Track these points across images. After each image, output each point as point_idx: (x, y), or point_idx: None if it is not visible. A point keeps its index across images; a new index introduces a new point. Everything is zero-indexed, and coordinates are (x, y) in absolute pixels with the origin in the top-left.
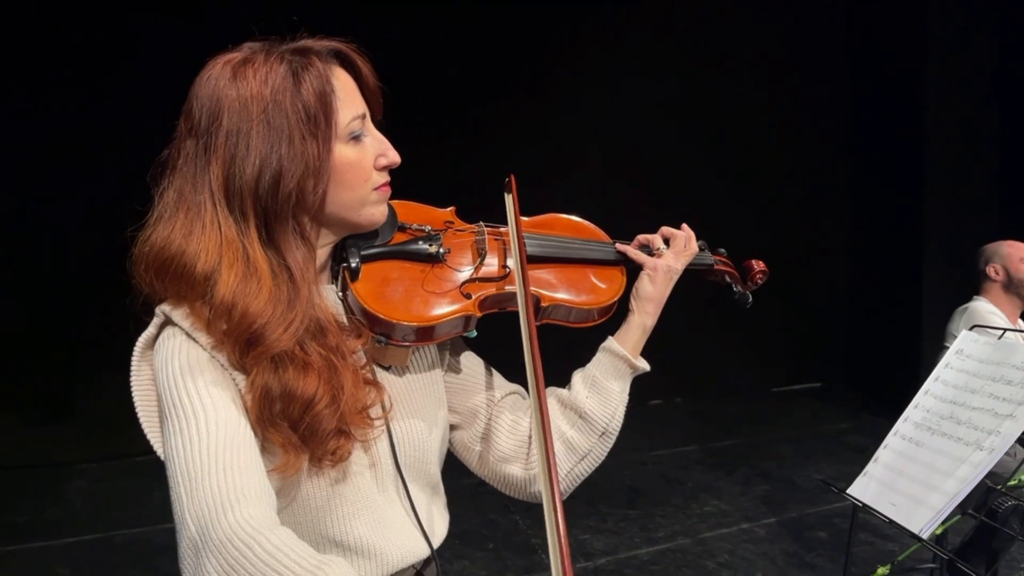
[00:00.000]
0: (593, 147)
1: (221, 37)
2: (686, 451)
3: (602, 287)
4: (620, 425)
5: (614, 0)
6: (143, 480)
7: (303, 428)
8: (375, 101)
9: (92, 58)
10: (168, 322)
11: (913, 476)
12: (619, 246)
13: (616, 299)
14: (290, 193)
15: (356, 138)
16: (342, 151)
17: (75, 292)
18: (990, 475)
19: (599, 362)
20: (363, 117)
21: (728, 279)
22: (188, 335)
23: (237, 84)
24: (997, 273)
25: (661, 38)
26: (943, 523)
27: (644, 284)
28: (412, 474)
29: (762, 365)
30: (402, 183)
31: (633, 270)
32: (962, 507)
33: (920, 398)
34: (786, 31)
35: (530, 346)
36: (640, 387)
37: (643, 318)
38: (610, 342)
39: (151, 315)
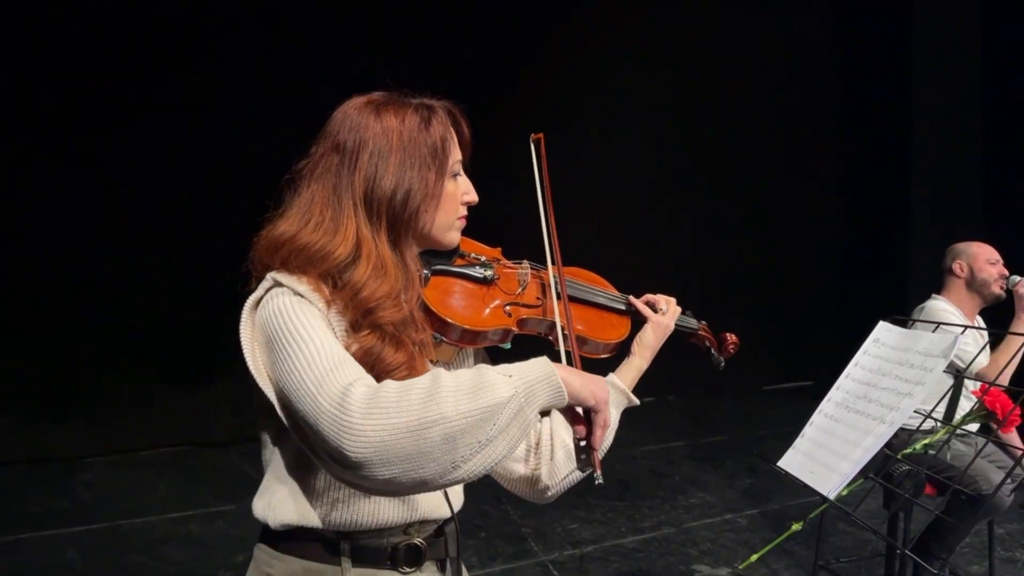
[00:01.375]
0: (588, 154)
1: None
2: (676, 447)
3: (613, 328)
4: (610, 444)
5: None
6: (147, 473)
7: (378, 377)
8: (468, 153)
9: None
10: (276, 284)
11: (830, 448)
12: (632, 300)
13: (624, 340)
14: (415, 209)
15: (455, 176)
16: (447, 184)
17: (84, 290)
18: (890, 445)
19: None
20: (460, 162)
21: (707, 344)
22: (295, 292)
23: (381, 119)
24: (962, 270)
25: (649, 40)
26: (848, 486)
27: (647, 334)
28: None
29: (755, 364)
30: None
31: (635, 321)
32: (864, 472)
33: (841, 381)
34: (775, 30)
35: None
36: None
37: (641, 362)
38: (612, 377)
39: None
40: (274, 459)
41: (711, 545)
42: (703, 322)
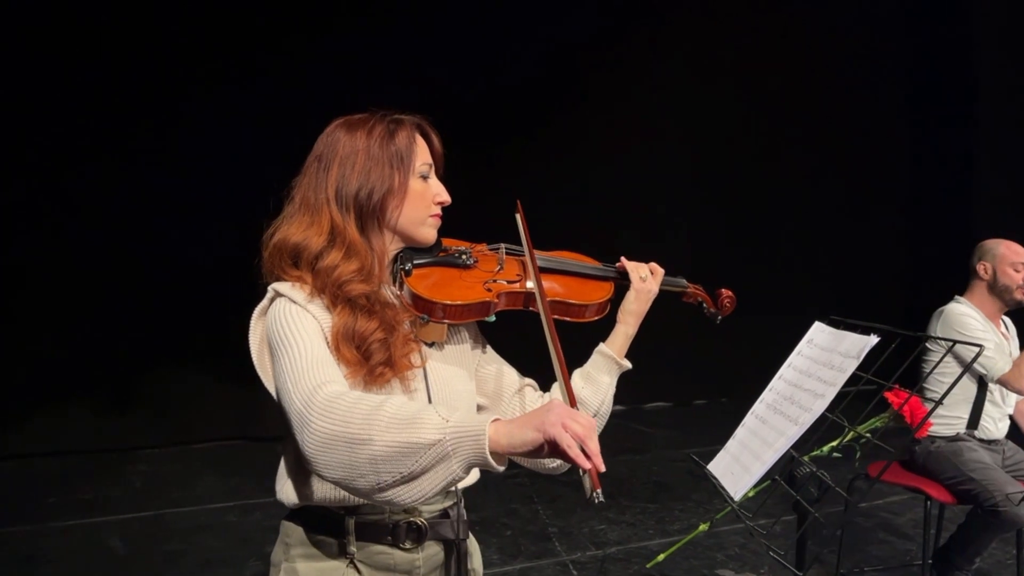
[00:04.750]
0: (632, 147)
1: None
2: (719, 450)
3: (594, 291)
4: (609, 409)
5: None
6: (196, 465)
7: (362, 351)
8: (439, 160)
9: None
10: (277, 295)
11: (751, 449)
12: (619, 264)
13: (608, 299)
14: (377, 202)
15: (424, 177)
16: (414, 183)
17: (145, 289)
18: (799, 446)
19: (593, 361)
20: (430, 166)
21: (700, 300)
22: (291, 300)
23: (352, 132)
24: (986, 272)
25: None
26: (754, 487)
27: (630, 301)
28: None
29: None
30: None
31: (619, 287)
32: (770, 474)
33: (774, 381)
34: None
35: (542, 304)
36: (684, 387)
37: (627, 328)
38: (601, 346)
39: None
40: (287, 448)
41: (739, 550)
42: (698, 285)
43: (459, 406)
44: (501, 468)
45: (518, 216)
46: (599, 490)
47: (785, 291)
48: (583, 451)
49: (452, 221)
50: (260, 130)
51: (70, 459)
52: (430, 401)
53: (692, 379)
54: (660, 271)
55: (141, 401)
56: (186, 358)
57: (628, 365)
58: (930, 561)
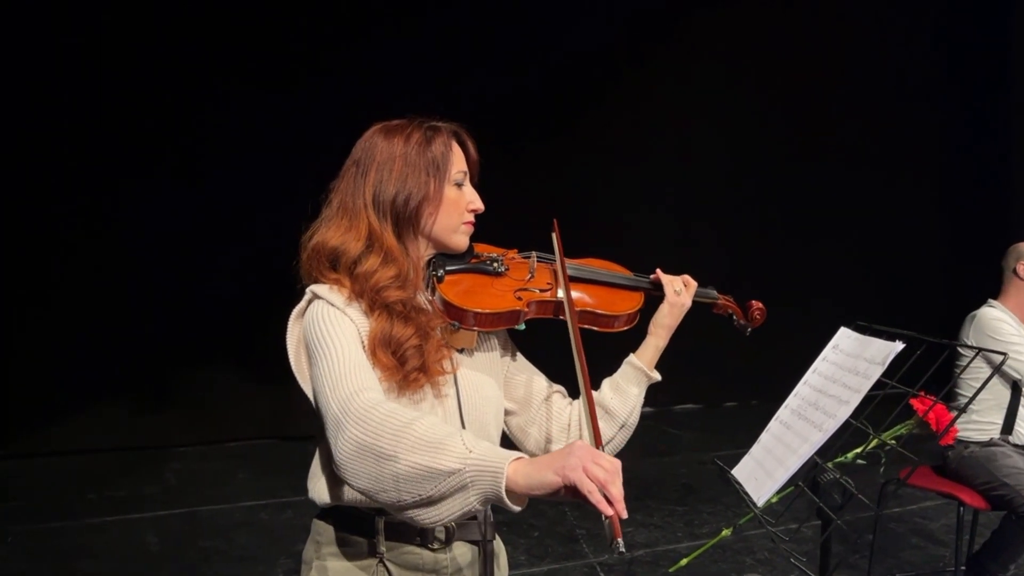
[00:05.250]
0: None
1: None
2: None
3: (624, 301)
4: (637, 420)
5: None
6: (231, 463)
7: (398, 357)
8: (474, 167)
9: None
10: (315, 297)
11: (775, 455)
12: (653, 276)
13: (637, 310)
14: (414, 209)
15: (458, 185)
16: (448, 190)
17: (181, 289)
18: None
19: (622, 372)
20: (464, 174)
21: (730, 311)
22: (329, 303)
23: (390, 138)
24: (1020, 274)
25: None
26: (778, 493)
27: (663, 314)
28: (473, 426)
29: None
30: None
31: (649, 297)
32: (793, 480)
33: (799, 387)
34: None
35: (573, 331)
36: (714, 389)
37: (657, 340)
38: (631, 357)
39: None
40: (319, 447)
41: (768, 554)
42: (728, 295)
43: (488, 412)
44: (517, 509)
45: (554, 235)
46: (620, 539)
47: (818, 293)
48: (605, 497)
49: (484, 224)
50: (297, 133)
51: (107, 457)
52: (460, 406)
53: (722, 381)
54: (693, 283)
55: (176, 400)
56: (220, 357)
57: (657, 377)
58: (963, 567)
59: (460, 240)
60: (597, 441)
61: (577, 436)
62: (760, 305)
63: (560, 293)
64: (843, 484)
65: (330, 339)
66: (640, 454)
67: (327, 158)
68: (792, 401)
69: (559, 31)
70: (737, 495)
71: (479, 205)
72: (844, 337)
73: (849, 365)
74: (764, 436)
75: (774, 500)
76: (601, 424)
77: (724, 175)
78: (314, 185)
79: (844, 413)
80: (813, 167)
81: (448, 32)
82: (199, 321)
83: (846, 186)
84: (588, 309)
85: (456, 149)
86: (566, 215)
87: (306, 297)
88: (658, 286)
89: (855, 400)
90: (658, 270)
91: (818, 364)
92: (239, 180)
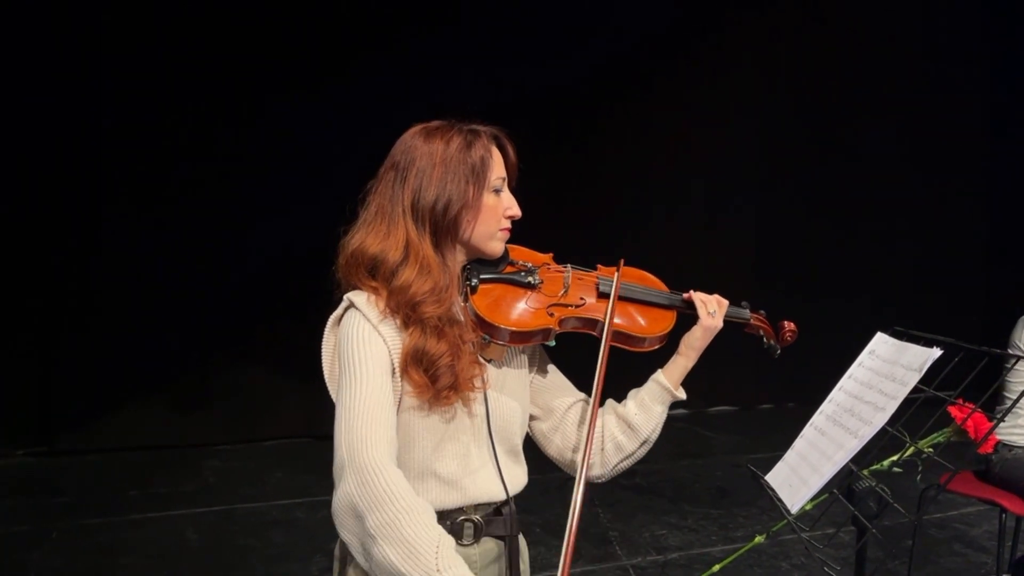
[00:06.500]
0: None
1: None
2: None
3: (656, 322)
4: (658, 436)
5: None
6: (268, 462)
7: (430, 374)
8: (513, 172)
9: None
10: (352, 306)
11: (810, 461)
12: (688, 296)
13: (669, 331)
14: (454, 217)
15: (496, 191)
16: (487, 197)
17: (220, 290)
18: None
19: (648, 388)
20: (503, 180)
21: (761, 333)
22: (365, 316)
23: (429, 142)
24: None
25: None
26: (812, 500)
27: (695, 335)
28: (499, 437)
29: None
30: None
31: (682, 316)
32: (828, 487)
33: (835, 392)
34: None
35: (600, 371)
36: (750, 390)
37: (687, 361)
38: (659, 374)
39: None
40: None
41: (804, 559)
42: (760, 312)
43: (515, 423)
44: None
45: (616, 274)
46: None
47: (856, 294)
48: None
49: (520, 224)
50: (337, 131)
51: (148, 454)
52: (488, 420)
53: (758, 383)
54: (725, 303)
55: (214, 399)
56: (258, 357)
57: (683, 396)
58: (1006, 574)
59: (496, 247)
60: (581, 467)
61: (599, 447)
62: (793, 327)
63: (595, 313)
64: (879, 492)
65: (358, 365)
66: (674, 456)
67: (363, 156)
68: (827, 407)
69: (593, 31)
70: (772, 499)
71: (517, 212)
72: (881, 343)
73: (886, 371)
74: (799, 441)
75: (808, 507)
76: (624, 438)
77: (758, 173)
78: (350, 184)
79: (880, 420)
80: (851, 166)
81: (483, 29)
82: (237, 322)
83: (885, 185)
84: (620, 330)
85: (496, 154)
86: (598, 213)
87: (343, 305)
88: (691, 305)
89: (891, 407)
90: (692, 291)
91: (854, 369)
92: (275, 180)
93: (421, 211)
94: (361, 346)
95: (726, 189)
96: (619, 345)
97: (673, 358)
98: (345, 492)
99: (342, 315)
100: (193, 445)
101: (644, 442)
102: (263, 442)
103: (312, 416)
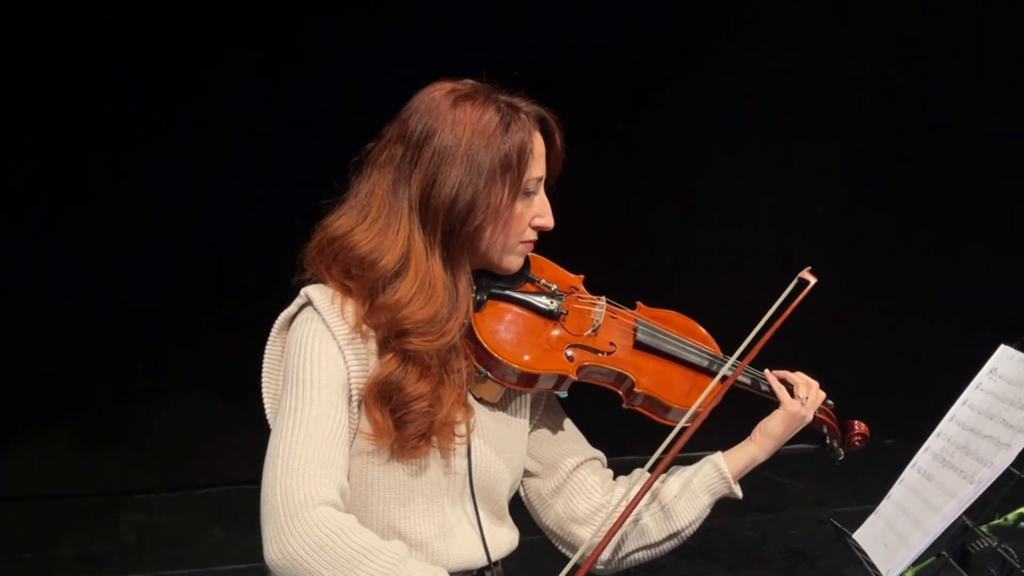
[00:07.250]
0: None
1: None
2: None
3: (692, 392)
4: (692, 534)
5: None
6: (203, 515)
7: (396, 417)
8: (555, 168)
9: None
10: (308, 303)
11: (911, 514)
12: (768, 374)
13: (709, 410)
14: (477, 227)
15: (528, 194)
16: (517, 203)
17: (145, 302)
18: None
19: (702, 471)
20: (540, 180)
21: (826, 430)
22: (323, 320)
23: (455, 111)
24: None
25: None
26: (913, 565)
27: (775, 422)
28: (482, 495)
29: None
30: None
31: (739, 391)
32: (935, 548)
33: (944, 425)
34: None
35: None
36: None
37: (759, 453)
38: (718, 458)
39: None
40: None
41: None
42: (829, 402)
43: (503, 481)
44: None
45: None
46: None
47: (966, 307)
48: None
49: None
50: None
51: (48, 505)
52: (471, 482)
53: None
54: (819, 393)
55: (135, 435)
56: (191, 383)
57: (739, 495)
58: None
59: (513, 262)
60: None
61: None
62: (864, 429)
63: (626, 364)
64: (1002, 554)
65: (307, 383)
66: (737, 511)
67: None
68: (934, 443)
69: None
70: (861, 566)
71: (548, 222)
72: (1005, 359)
73: (1011, 396)
74: (896, 489)
75: (909, 574)
76: (651, 521)
77: (837, 176)
78: (311, 170)
79: (1004, 460)
80: (949, 164)
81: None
82: (164, 336)
83: (996, 180)
84: (650, 392)
85: (538, 143)
86: (645, 228)
87: (298, 301)
88: (756, 383)
89: (1019, 443)
90: (783, 372)
91: (970, 394)
92: (227, 157)
93: (432, 210)
94: (313, 358)
95: (795, 197)
96: (646, 412)
97: (743, 444)
98: (284, 551)
99: (295, 314)
100: (107, 493)
101: (675, 535)
102: (197, 490)
103: (259, 457)
